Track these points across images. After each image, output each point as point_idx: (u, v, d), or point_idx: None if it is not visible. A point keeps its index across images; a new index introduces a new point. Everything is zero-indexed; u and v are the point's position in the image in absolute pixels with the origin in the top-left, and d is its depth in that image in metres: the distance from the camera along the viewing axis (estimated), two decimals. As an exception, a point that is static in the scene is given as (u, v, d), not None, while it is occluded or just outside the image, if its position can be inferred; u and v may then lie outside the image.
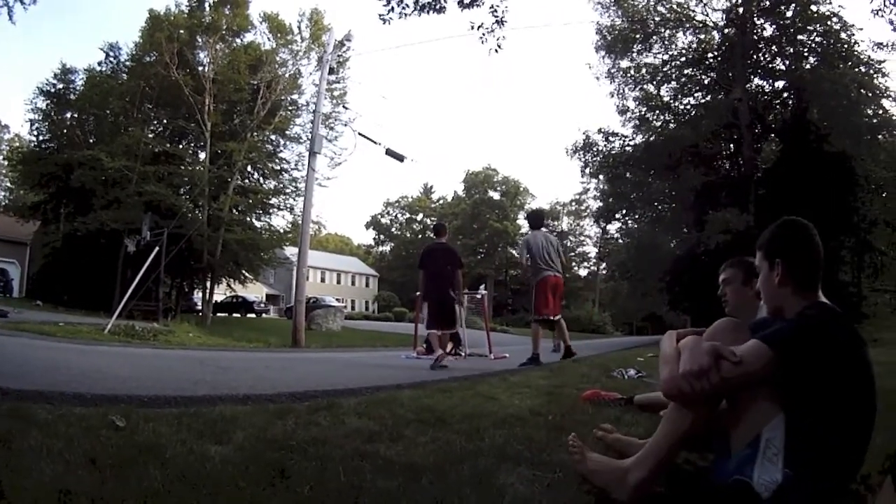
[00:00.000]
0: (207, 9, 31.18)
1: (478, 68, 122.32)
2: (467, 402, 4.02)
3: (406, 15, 8.70)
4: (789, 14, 22.83)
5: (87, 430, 2.45)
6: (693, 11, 25.12)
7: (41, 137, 32.17)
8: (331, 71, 19.44)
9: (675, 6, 25.11)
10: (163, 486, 1.84)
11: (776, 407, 1.78)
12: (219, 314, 32.01)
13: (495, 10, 8.82)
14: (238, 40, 31.79)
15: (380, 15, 8.71)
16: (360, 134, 16.94)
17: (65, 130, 31.08)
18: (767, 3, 23.07)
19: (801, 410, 1.75)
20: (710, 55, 25.47)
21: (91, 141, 29.40)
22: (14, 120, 63.40)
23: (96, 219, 26.02)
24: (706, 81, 25.86)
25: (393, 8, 8.61)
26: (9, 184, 50.70)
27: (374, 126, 62.60)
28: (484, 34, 8.98)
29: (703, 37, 25.65)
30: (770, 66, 24.54)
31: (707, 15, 25.01)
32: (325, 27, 29.67)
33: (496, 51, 9.11)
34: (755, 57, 24.39)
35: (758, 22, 23.90)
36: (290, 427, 2.84)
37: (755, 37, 23.96)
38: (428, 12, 8.71)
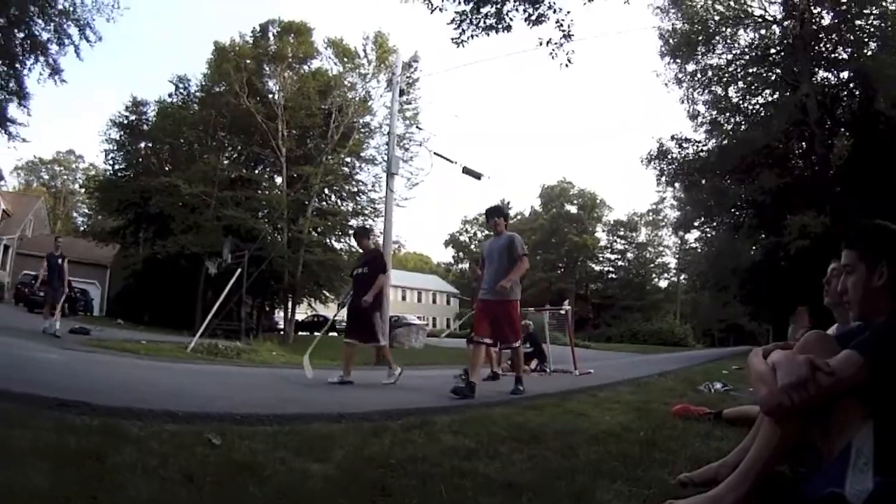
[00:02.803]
0: (272, 38, 32.26)
1: (547, 81, 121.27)
2: (558, 419, 4.02)
3: (476, 36, 8.77)
4: (844, -1, 21.86)
5: (181, 447, 2.51)
6: (751, 6, 24.48)
7: (117, 166, 33.83)
8: (401, 93, 19.56)
9: (732, 3, 24.55)
10: (263, 504, 1.85)
11: (865, 416, 1.77)
12: (300, 333, 32.58)
13: (561, 25, 8.71)
14: (305, 67, 32.59)
15: (452, 39, 8.80)
16: (435, 153, 16.97)
17: (140, 159, 32.53)
18: (821, -12, 22.14)
19: (888, 416, 1.73)
20: (772, 51, 24.60)
21: (167, 168, 30.64)
22: (86, 150, 68.35)
23: (176, 242, 27.01)
24: (772, 79, 24.90)
25: (464, 30, 8.69)
26: (86, 210, 53.66)
27: (449, 145, 62.52)
28: (553, 49, 8.90)
29: (763, 32, 24.86)
30: (833, 56, 23.45)
31: (765, 9, 24.32)
32: (390, 49, 29.95)
33: (567, 65, 9.03)
34: (817, 48, 23.40)
35: (815, 11, 22.95)
36: (386, 445, 2.87)
37: (814, 27, 23.01)
38: (497, 32, 8.74)
